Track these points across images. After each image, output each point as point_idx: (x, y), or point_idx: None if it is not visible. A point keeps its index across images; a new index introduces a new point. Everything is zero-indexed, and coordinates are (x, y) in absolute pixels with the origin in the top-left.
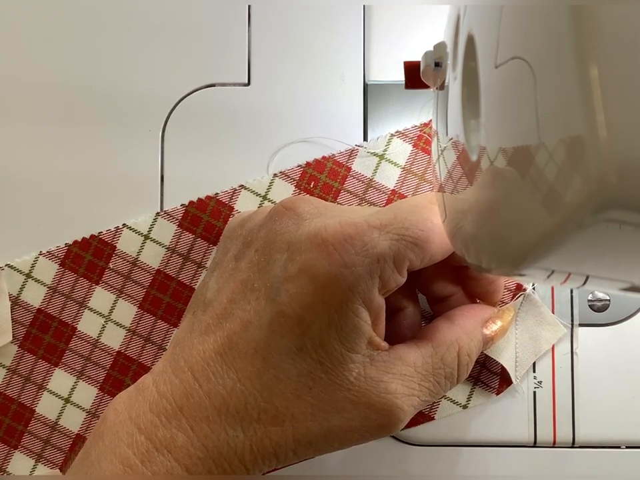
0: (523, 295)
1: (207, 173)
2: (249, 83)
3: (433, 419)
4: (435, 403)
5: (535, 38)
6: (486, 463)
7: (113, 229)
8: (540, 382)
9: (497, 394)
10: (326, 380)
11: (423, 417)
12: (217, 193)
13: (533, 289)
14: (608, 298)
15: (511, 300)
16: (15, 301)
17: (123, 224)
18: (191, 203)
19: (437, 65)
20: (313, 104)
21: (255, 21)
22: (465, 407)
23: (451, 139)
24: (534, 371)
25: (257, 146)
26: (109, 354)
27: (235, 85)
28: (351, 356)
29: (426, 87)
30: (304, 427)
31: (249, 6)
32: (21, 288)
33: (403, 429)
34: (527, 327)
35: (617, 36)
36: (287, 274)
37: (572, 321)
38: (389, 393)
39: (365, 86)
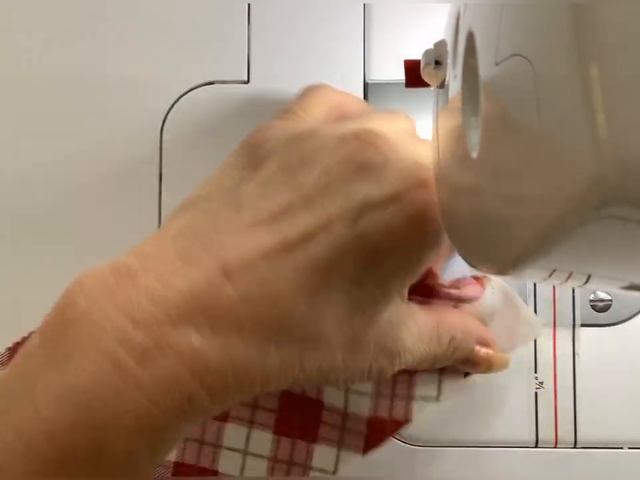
0: (494, 291)
1: (206, 171)
2: (248, 81)
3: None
4: (409, 404)
5: (536, 35)
6: (487, 463)
7: None
8: (541, 382)
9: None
10: (368, 314)
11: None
12: None
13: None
14: (610, 298)
15: (480, 294)
16: None
17: None
18: None
19: (437, 63)
20: None
21: (255, 19)
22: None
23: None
24: (535, 372)
25: None
26: None
27: (234, 82)
28: (396, 298)
29: (426, 85)
30: (331, 356)
31: (249, 4)
32: None
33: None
34: (503, 322)
35: (618, 34)
36: (372, 200)
37: (573, 321)
38: (400, 340)
39: (365, 84)
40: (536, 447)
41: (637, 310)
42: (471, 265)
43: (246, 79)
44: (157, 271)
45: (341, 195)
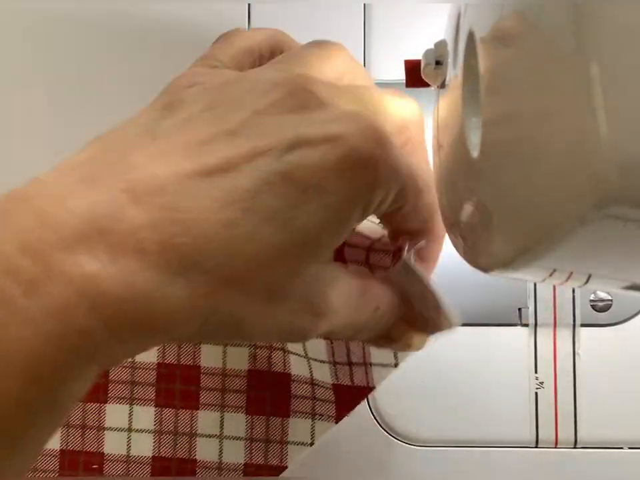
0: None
1: None
2: None
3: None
4: (368, 370)
5: (536, 35)
6: (487, 463)
7: None
8: (542, 382)
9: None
10: (293, 262)
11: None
12: None
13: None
14: (610, 298)
15: (392, 265)
16: None
17: None
18: None
19: (438, 63)
20: None
21: (255, 19)
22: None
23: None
24: (535, 372)
25: None
26: (144, 464)
27: None
28: (324, 252)
29: (427, 85)
30: (246, 301)
31: (249, 4)
32: None
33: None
34: (421, 305)
35: (618, 34)
36: (304, 137)
37: (574, 321)
38: (327, 299)
39: None
40: (536, 447)
41: (637, 310)
42: (471, 263)
43: None
44: (55, 194)
45: (270, 129)
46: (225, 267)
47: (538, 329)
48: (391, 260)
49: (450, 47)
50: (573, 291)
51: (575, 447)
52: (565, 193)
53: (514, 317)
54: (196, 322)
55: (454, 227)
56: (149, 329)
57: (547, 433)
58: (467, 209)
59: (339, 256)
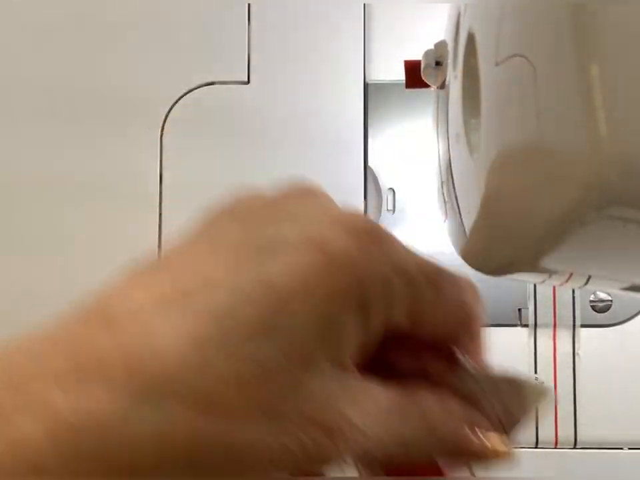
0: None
1: (206, 171)
2: (248, 82)
3: None
4: None
5: (536, 35)
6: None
7: None
8: (542, 383)
9: None
10: (283, 377)
11: None
12: None
13: None
14: (610, 298)
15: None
16: None
17: None
18: None
19: (438, 63)
20: (312, 103)
21: (255, 20)
22: None
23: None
24: (535, 372)
25: (257, 144)
26: None
27: (234, 83)
28: (323, 362)
29: (427, 86)
30: (238, 426)
31: (249, 4)
32: None
33: None
34: (497, 398)
35: (618, 34)
36: (286, 237)
37: (574, 321)
38: (340, 414)
39: (366, 85)
40: (536, 447)
41: (637, 310)
42: (471, 265)
43: (246, 79)
44: (50, 329)
45: (250, 249)
46: (199, 388)
47: (538, 329)
48: (448, 369)
49: (450, 47)
50: (573, 291)
51: (574, 447)
52: (565, 193)
53: (514, 317)
54: (169, 453)
55: (455, 229)
56: (110, 462)
57: (546, 433)
58: (467, 209)
59: (379, 368)
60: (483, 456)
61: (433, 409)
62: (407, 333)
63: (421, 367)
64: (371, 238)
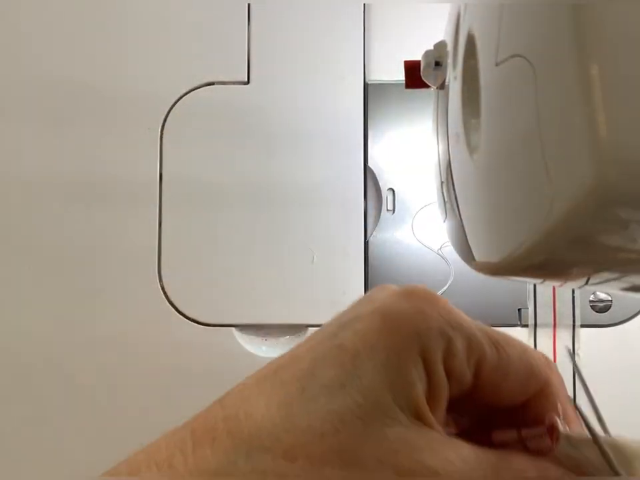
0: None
1: (205, 171)
2: (248, 82)
3: None
4: None
5: (536, 36)
6: None
7: None
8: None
9: None
10: (359, 426)
11: None
12: None
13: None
14: (610, 299)
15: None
16: None
17: None
18: None
19: (437, 64)
20: (312, 103)
21: (255, 20)
22: None
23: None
24: None
25: (256, 144)
26: None
27: (234, 83)
28: (395, 410)
29: (426, 86)
30: (317, 471)
31: (249, 4)
32: None
33: None
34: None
35: (618, 34)
36: (359, 314)
37: (574, 321)
38: (420, 462)
39: (365, 85)
40: None
41: (637, 310)
42: (471, 266)
43: (246, 79)
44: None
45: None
46: (285, 441)
47: (538, 329)
48: (550, 441)
49: (449, 47)
50: (573, 291)
51: None
52: (564, 193)
53: (514, 318)
54: None
55: (454, 229)
56: None
57: None
58: (467, 209)
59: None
60: None
61: (529, 471)
62: (488, 401)
63: (520, 440)
64: (426, 299)
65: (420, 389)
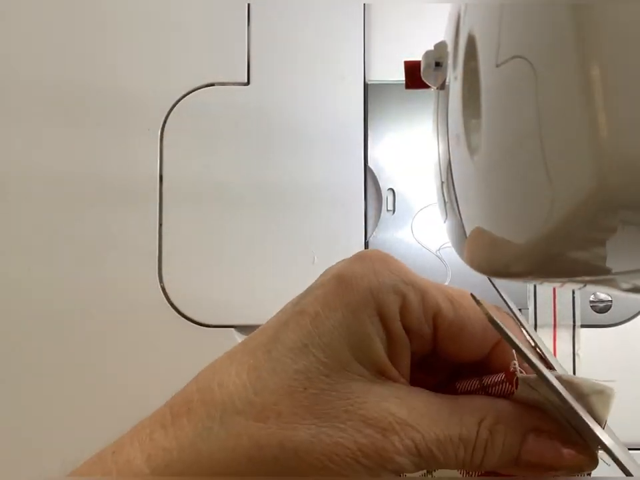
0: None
1: (206, 172)
2: (248, 83)
3: None
4: None
5: (537, 37)
6: None
7: None
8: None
9: None
10: (325, 382)
11: None
12: None
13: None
14: (610, 299)
15: (513, 387)
16: None
17: None
18: None
19: (438, 64)
20: (312, 103)
21: (255, 21)
22: None
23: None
24: None
25: (257, 145)
26: None
27: (234, 84)
28: (356, 364)
29: (426, 86)
30: (290, 428)
31: (249, 5)
32: None
33: None
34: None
35: (619, 35)
36: (318, 281)
37: (574, 321)
38: (388, 412)
39: (365, 85)
40: None
41: (637, 311)
42: (471, 266)
43: (246, 80)
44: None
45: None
46: (253, 402)
47: (538, 329)
48: (510, 386)
49: (450, 48)
50: (573, 291)
51: None
52: (565, 195)
53: None
54: (241, 457)
55: (455, 230)
56: (188, 472)
57: None
58: (467, 210)
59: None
60: (556, 463)
61: (489, 410)
62: (451, 359)
63: (482, 387)
64: (379, 260)
65: (379, 343)
